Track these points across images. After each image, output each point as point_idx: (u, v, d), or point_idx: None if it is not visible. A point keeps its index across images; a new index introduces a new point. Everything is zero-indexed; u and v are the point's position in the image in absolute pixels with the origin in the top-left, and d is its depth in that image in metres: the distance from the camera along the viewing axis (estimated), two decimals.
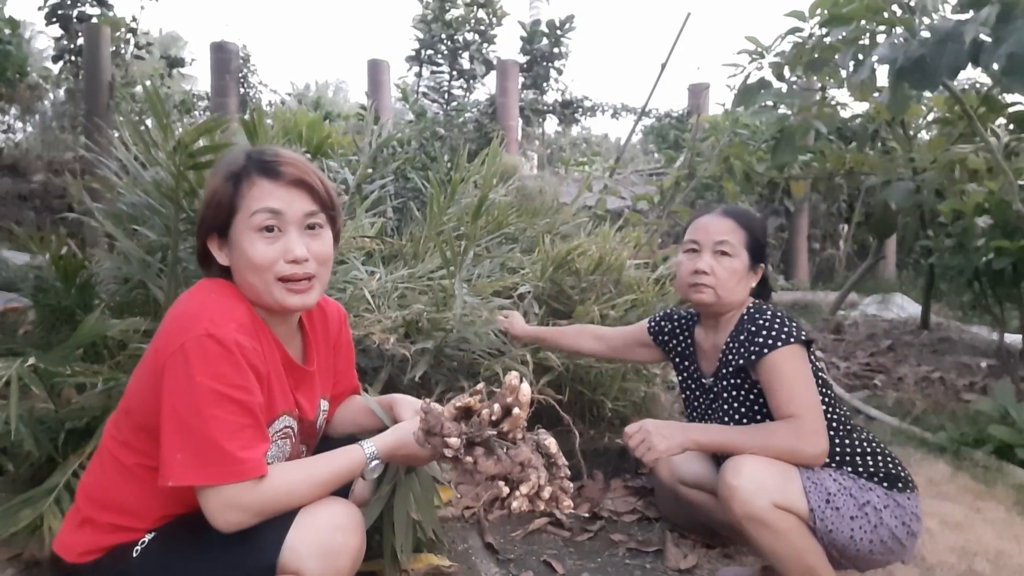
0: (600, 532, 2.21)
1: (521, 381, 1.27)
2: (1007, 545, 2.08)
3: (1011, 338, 4.28)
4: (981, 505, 2.34)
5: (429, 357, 2.24)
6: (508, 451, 1.25)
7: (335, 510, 1.24)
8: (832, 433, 1.58)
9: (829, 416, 1.60)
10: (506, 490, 1.24)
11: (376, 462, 1.30)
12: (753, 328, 1.63)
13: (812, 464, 1.53)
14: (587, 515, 2.30)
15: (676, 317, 1.97)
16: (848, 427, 1.65)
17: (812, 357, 1.64)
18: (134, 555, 1.22)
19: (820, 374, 1.65)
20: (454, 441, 1.24)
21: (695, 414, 1.83)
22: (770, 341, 1.58)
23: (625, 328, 2.13)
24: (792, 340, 1.58)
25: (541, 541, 2.15)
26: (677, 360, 1.93)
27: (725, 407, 1.70)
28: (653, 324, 2.01)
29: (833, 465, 1.57)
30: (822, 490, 1.50)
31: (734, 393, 1.68)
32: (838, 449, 1.58)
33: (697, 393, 1.84)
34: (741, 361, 1.63)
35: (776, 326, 1.60)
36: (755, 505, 1.45)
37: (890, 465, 1.59)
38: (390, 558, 1.64)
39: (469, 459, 1.25)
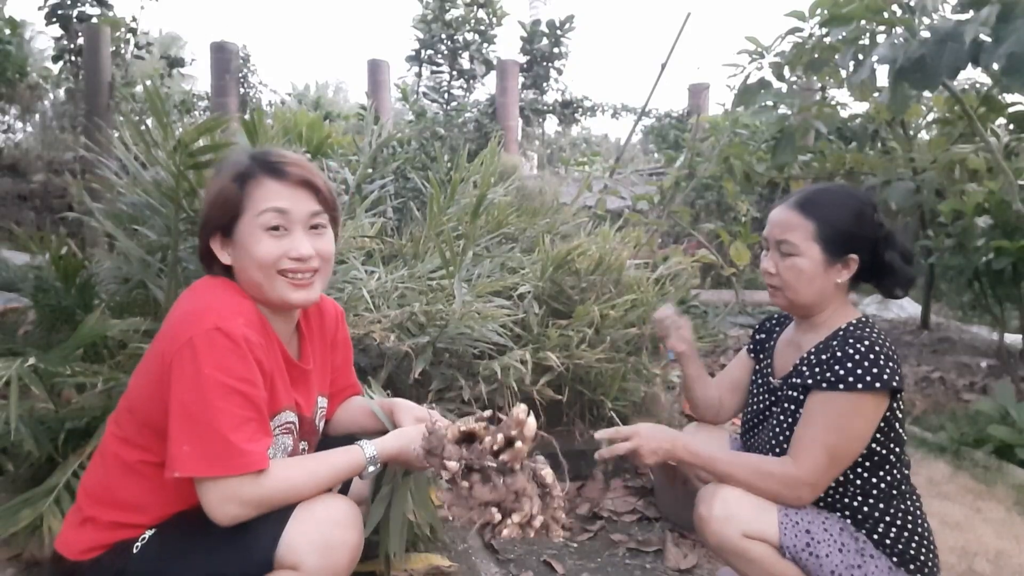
0: (600, 532, 2.21)
1: (529, 415, 1.26)
2: (1007, 545, 2.08)
3: (1011, 338, 4.28)
4: (981, 505, 2.34)
5: (428, 353, 2.24)
6: (504, 479, 1.24)
7: (333, 505, 1.25)
8: (874, 493, 1.47)
9: (879, 477, 1.47)
10: (498, 517, 1.24)
11: (373, 467, 1.31)
12: (840, 354, 1.42)
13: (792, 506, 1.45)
14: (587, 515, 2.30)
15: (775, 317, 1.79)
16: (894, 492, 1.49)
17: (896, 404, 1.45)
18: (135, 551, 1.23)
19: (896, 425, 1.47)
20: (453, 465, 1.23)
21: (751, 411, 1.69)
22: (850, 379, 1.39)
23: (726, 368, 1.87)
24: (874, 387, 1.38)
25: (541, 541, 2.15)
26: (761, 354, 1.76)
27: (781, 417, 1.54)
28: (751, 340, 1.81)
29: (848, 520, 1.47)
30: (801, 531, 1.42)
31: (792, 408, 1.52)
32: (865, 509, 1.47)
33: (762, 390, 1.68)
34: (809, 381, 1.46)
35: (865, 365, 1.39)
36: (725, 536, 1.42)
37: (914, 544, 1.45)
38: (387, 558, 1.65)
39: (465, 484, 1.24)
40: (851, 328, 1.50)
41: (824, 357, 1.46)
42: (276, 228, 1.25)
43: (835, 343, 1.47)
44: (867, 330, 1.48)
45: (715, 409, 1.82)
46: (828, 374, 1.42)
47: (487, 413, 1.33)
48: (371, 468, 1.31)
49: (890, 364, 1.40)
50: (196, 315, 1.19)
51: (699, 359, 1.83)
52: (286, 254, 1.26)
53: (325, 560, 1.19)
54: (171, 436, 1.15)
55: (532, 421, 1.26)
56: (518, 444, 1.24)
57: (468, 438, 1.28)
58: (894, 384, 1.39)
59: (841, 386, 1.40)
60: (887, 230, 1.54)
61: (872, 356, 1.40)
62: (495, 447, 1.25)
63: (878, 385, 1.38)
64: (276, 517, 1.20)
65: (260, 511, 1.18)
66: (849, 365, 1.40)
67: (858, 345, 1.42)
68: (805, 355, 1.53)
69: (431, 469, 1.29)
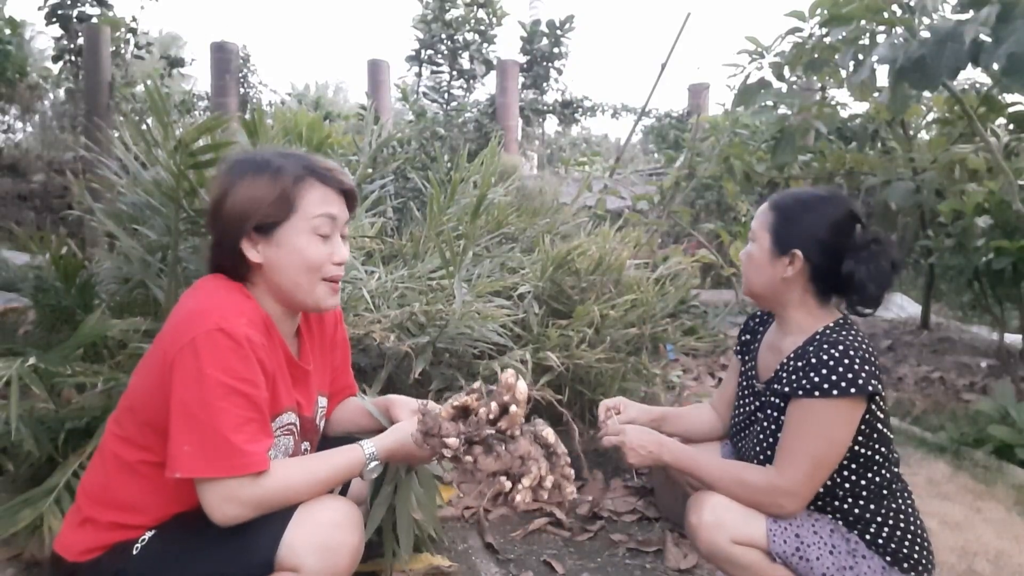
0: (600, 532, 2.21)
1: (517, 379, 1.27)
2: (1007, 545, 2.08)
3: (1011, 338, 4.28)
4: (981, 505, 2.34)
5: (428, 353, 2.24)
6: (507, 446, 1.25)
7: (334, 507, 1.25)
8: (864, 494, 1.47)
9: (868, 478, 1.47)
10: (508, 485, 1.25)
11: (375, 463, 1.31)
12: (815, 360, 1.41)
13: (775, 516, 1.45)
14: (587, 515, 2.30)
15: (758, 316, 1.78)
16: (884, 492, 1.48)
17: (876, 406, 1.44)
18: (134, 552, 1.23)
19: (879, 426, 1.46)
20: (453, 442, 1.24)
21: (739, 415, 1.68)
22: (825, 385, 1.38)
23: (723, 383, 1.86)
24: (849, 392, 1.37)
25: (541, 541, 2.15)
26: (746, 356, 1.74)
27: (765, 423, 1.54)
28: (737, 343, 1.80)
29: (839, 521, 1.47)
30: (790, 536, 1.42)
31: (775, 415, 1.52)
32: (856, 511, 1.46)
33: (747, 393, 1.67)
34: (787, 389, 1.47)
35: (839, 370, 1.38)
36: (715, 543, 1.42)
37: (907, 542, 1.45)
38: (390, 558, 1.65)
39: (469, 458, 1.25)
40: (827, 332, 1.49)
41: (800, 364, 1.45)
42: (324, 235, 1.29)
43: (811, 349, 1.45)
44: (843, 333, 1.46)
45: (716, 430, 1.81)
46: (804, 381, 1.42)
47: (477, 384, 1.33)
48: (372, 466, 1.31)
49: (866, 368, 1.39)
50: (199, 315, 1.19)
51: (653, 413, 1.77)
52: (330, 259, 1.30)
53: (325, 562, 1.19)
54: (172, 436, 1.15)
55: (523, 384, 1.26)
56: (512, 408, 1.25)
57: (463, 413, 1.29)
58: (870, 388, 1.38)
59: (817, 393, 1.39)
60: (860, 244, 1.49)
61: (847, 361, 1.39)
62: (491, 416, 1.26)
63: (853, 391, 1.37)
64: (276, 519, 1.20)
65: (260, 512, 1.18)
66: (824, 372, 1.39)
67: (832, 351, 1.41)
68: (785, 360, 1.53)
69: (433, 454, 1.30)
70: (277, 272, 1.28)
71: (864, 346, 1.43)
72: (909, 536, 1.46)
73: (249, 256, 1.28)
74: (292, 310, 1.34)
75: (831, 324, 1.51)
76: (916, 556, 1.45)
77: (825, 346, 1.43)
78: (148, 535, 1.24)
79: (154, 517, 1.25)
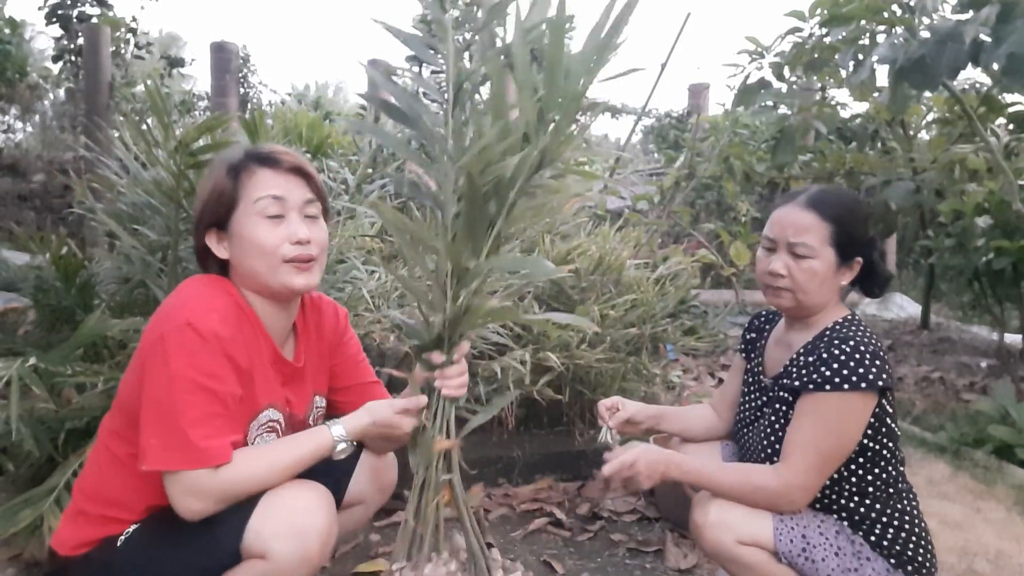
0: (600, 532, 2.21)
1: None
2: (1007, 545, 2.09)
3: (1011, 338, 4.28)
4: (981, 505, 2.34)
5: None
6: None
7: (300, 492, 1.24)
8: (870, 491, 1.47)
9: (875, 474, 1.47)
10: None
11: (343, 444, 1.29)
12: (826, 355, 1.42)
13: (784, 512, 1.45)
14: (587, 515, 2.30)
15: (764, 315, 1.77)
16: (890, 491, 1.49)
17: (886, 401, 1.45)
18: (119, 545, 1.25)
19: (888, 420, 1.47)
20: None
21: (744, 410, 1.67)
22: (836, 379, 1.39)
23: (725, 383, 1.86)
24: (860, 387, 1.38)
25: (541, 541, 2.15)
26: (752, 353, 1.74)
27: (772, 418, 1.54)
28: (741, 341, 1.79)
29: (844, 522, 1.47)
30: (797, 536, 1.42)
31: (783, 409, 1.51)
32: (862, 510, 1.46)
33: (753, 389, 1.67)
34: (796, 384, 1.46)
35: (850, 365, 1.39)
36: (720, 542, 1.42)
37: (911, 545, 1.45)
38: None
39: None
40: (837, 327, 1.50)
41: (811, 359, 1.46)
42: (273, 215, 1.27)
43: (822, 344, 1.46)
44: (852, 329, 1.48)
45: (714, 429, 1.81)
46: (815, 375, 1.42)
47: None
48: (341, 447, 1.29)
49: (876, 363, 1.40)
50: (171, 312, 1.21)
51: (651, 411, 1.79)
52: (287, 239, 1.27)
53: (293, 545, 1.19)
54: (142, 430, 1.17)
55: None
56: None
57: None
58: (880, 383, 1.39)
59: (828, 387, 1.40)
60: (871, 233, 1.57)
61: (858, 356, 1.40)
62: None
63: (864, 385, 1.38)
64: (243, 507, 1.20)
65: (223, 504, 1.18)
66: (835, 366, 1.40)
67: (843, 346, 1.42)
68: (795, 356, 1.53)
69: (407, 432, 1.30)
70: (240, 263, 1.29)
71: (874, 341, 1.44)
72: (913, 539, 1.46)
73: (217, 254, 1.30)
74: (274, 300, 1.32)
75: (840, 320, 1.52)
76: (920, 559, 1.45)
77: (836, 341, 1.44)
78: (132, 528, 1.26)
79: (141, 511, 1.27)
